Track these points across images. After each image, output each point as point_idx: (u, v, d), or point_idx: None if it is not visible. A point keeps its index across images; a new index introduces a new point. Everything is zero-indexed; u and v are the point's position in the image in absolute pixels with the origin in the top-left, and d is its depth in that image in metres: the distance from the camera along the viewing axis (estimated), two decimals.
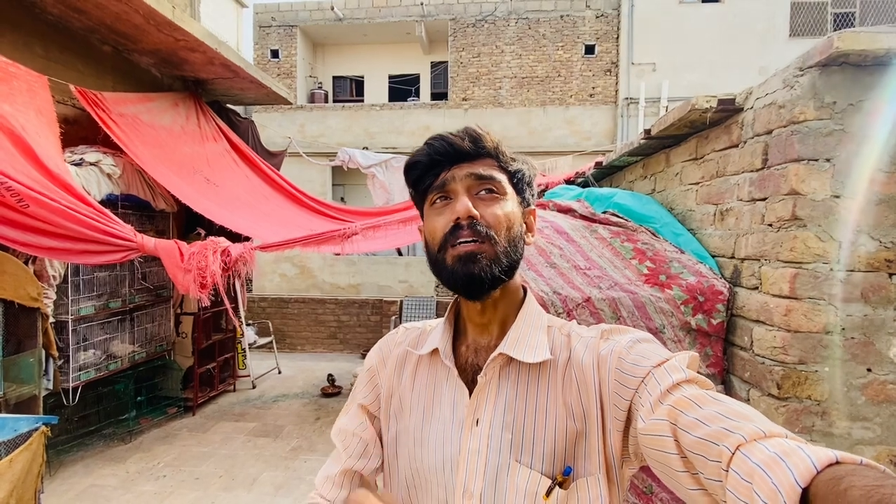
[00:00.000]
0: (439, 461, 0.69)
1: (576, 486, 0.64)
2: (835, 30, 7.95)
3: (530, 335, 0.70)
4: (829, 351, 1.47)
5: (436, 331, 0.76)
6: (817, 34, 7.74)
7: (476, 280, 0.66)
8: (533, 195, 0.76)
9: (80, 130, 3.65)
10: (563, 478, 0.64)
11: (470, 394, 0.70)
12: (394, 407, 0.77)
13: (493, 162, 0.71)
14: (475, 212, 0.66)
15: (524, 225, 0.73)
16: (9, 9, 3.28)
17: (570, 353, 0.69)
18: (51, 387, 3.23)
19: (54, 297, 3.28)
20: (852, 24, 7.80)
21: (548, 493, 0.63)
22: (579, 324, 0.75)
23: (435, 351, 0.74)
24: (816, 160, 1.45)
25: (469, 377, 0.71)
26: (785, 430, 0.48)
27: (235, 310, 5.41)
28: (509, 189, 0.71)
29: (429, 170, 0.70)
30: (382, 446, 0.78)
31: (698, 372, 0.61)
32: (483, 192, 0.69)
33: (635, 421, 0.60)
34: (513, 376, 0.69)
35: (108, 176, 3.53)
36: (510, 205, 0.70)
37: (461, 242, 0.66)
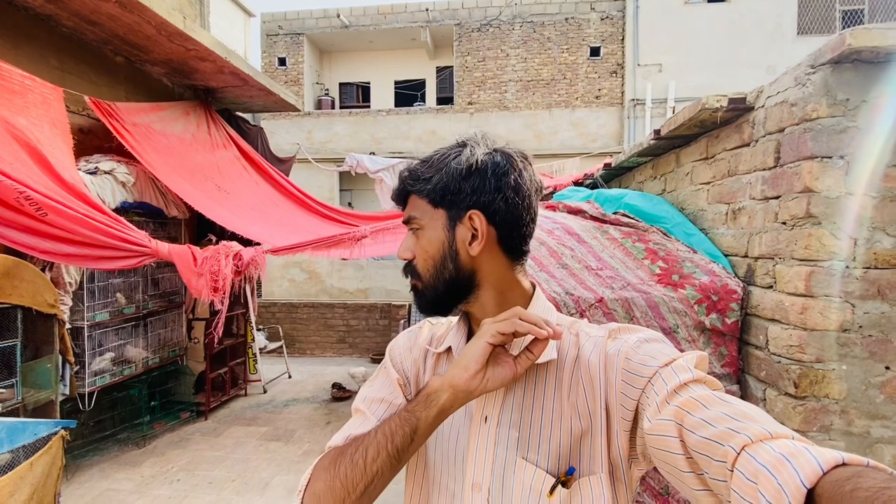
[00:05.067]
0: (451, 452, 0.71)
1: (578, 484, 0.65)
2: (843, 27, 7.90)
3: None
4: (846, 349, 1.46)
5: (453, 329, 0.79)
6: (826, 32, 7.68)
7: (421, 308, 0.75)
8: (467, 195, 0.68)
9: (94, 140, 3.72)
10: (566, 477, 0.65)
11: None
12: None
13: (414, 197, 0.73)
14: (406, 255, 0.74)
15: (455, 243, 0.70)
16: (25, 22, 3.35)
17: (578, 353, 0.70)
18: (67, 392, 3.28)
19: (70, 303, 3.33)
20: (861, 21, 7.74)
21: (551, 491, 0.64)
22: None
23: (449, 349, 0.77)
24: (830, 157, 1.45)
25: None
26: (791, 431, 0.47)
27: (246, 315, 5.47)
28: (428, 216, 0.72)
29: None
30: None
31: (708, 372, 0.61)
32: (413, 232, 0.74)
33: (642, 421, 0.60)
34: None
35: (122, 184, 3.58)
36: (427, 234, 0.72)
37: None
